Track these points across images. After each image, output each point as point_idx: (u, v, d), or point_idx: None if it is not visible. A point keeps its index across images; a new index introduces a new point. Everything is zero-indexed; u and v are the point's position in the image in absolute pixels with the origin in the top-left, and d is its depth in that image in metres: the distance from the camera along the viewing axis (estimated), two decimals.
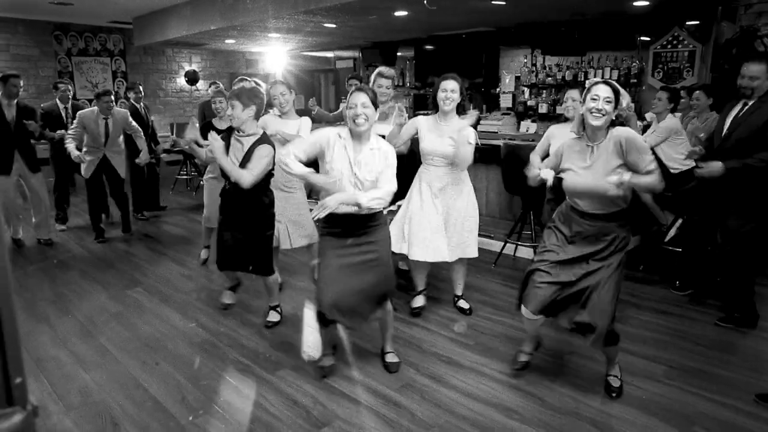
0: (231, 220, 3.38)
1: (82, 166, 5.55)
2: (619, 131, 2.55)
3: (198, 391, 2.89)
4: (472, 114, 3.51)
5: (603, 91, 2.49)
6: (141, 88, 6.70)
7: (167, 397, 2.84)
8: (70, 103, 6.12)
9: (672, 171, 4.56)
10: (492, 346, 3.36)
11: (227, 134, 3.32)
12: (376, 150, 2.72)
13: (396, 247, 3.54)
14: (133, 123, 5.84)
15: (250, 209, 3.30)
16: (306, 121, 3.89)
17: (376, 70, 4.14)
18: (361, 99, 2.63)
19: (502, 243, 5.01)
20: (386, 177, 2.69)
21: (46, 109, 6.02)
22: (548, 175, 2.71)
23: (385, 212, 2.89)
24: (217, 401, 2.81)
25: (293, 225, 3.90)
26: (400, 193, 3.70)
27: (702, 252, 3.96)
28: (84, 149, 5.53)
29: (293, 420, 2.64)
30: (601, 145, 2.58)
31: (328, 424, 2.60)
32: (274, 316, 3.71)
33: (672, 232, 4.73)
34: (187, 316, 3.86)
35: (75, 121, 5.50)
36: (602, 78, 6.77)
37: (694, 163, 4.50)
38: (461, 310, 3.87)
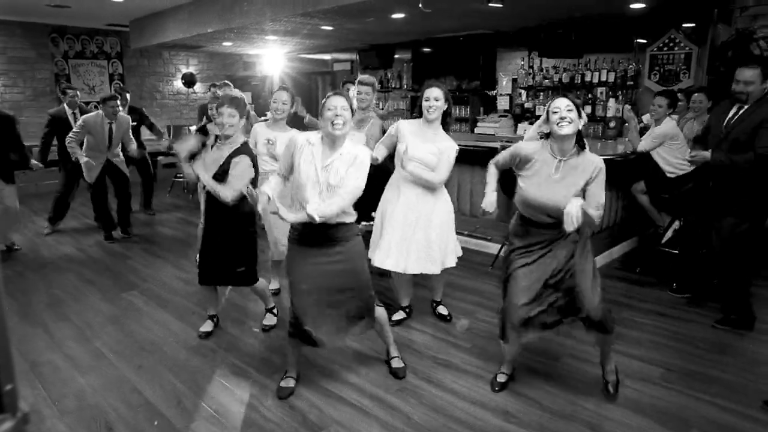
0: (213, 227, 3.32)
1: (84, 170, 5.60)
2: (597, 159, 2.56)
3: (194, 395, 2.88)
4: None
5: (562, 103, 2.53)
6: (128, 96, 6.68)
7: (163, 401, 2.83)
8: (77, 108, 6.07)
9: (669, 175, 4.57)
10: (489, 349, 3.35)
11: (203, 135, 3.29)
12: (346, 154, 2.64)
13: (374, 258, 3.45)
14: (130, 133, 5.88)
15: (231, 216, 3.21)
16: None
17: (357, 78, 4.19)
18: (340, 102, 2.59)
19: (499, 245, 5.00)
20: (349, 177, 2.60)
21: (53, 115, 6.00)
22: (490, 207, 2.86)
23: (359, 225, 2.84)
24: (213, 405, 2.79)
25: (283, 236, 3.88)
26: (371, 207, 3.65)
27: (699, 254, 3.96)
28: (87, 153, 5.56)
29: (290, 424, 2.63)
30: (570, 162, 2.57)
31: (324, 428, 2.59)
32: (270, 319, 3.69)
33: (669, 234, 4.74)
34: (183, 319, 3.85)
35: (78, 124, 5.53)
36: (599, 80, 6.82)
37: (690, 168, 4.51)
38: (441, 316, 3.80)
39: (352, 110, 2.66)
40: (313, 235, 2.66)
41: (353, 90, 4.34)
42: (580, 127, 2.55)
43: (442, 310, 3.84)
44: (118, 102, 5.60)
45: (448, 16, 6.18)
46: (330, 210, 2.56)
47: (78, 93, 6.12)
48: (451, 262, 3.55)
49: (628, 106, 4.96)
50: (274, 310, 3.73)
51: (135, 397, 2.86)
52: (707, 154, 3.46)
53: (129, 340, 3.53)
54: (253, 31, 7.56)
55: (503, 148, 4.79)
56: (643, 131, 5.80)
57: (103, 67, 10.05)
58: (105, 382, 3.00)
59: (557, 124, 2.51)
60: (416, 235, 3.41)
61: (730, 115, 3.47)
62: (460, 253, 3.63)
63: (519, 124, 7.56)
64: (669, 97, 4.54)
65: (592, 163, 2.55)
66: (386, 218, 3.48)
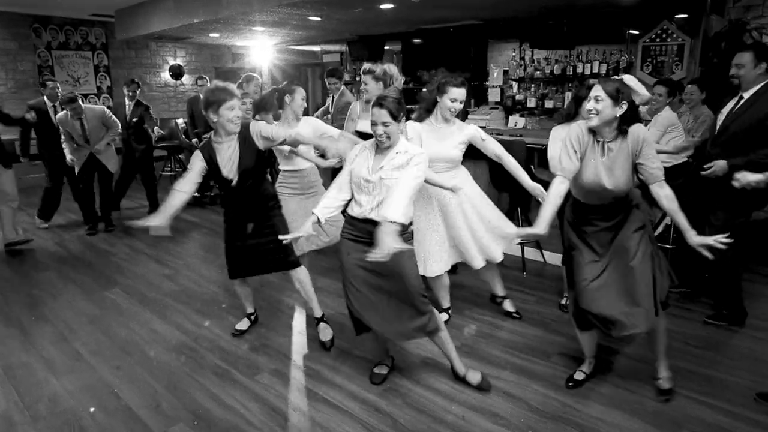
0: (239, 222, 3.15)
1: (75, 166, 5.72)
2: (636, 130, 2.50)
3: (174, 398, 2.79)
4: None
5: (593, 92, 2.47)
6: (136, 89, 6.54)
7: (141, 404, 2.73)
8: (58, 101, 5.93)
9: (664, 165, 4.44)
10: (477, 348, 3.27)
11: (206, 142, 3.07)
12: (402, 153, 2.55)
13: (428, 270, 3.33)
14: (112, 117, 5.78)
15: (258, 204, 3.14)
16: (313, 122, 3.70)
17: (364, 66, 4.04)
18: (382, 118, 2.49)
19: None
20: (407, 172, 2.49)
21: (33, 106, 5.86)
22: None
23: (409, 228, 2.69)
24: (193, 408, 2.70)
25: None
26: None
27: (693, 248, 3.89)
28: (75, 146, 5.65)
29: (271, 428, 2.55)
30: (614, 144, 2.52)
31: None
32: (326, 334, 3.34)
33: (660, 229, 4.67)
34: (166, 318, 3.75)
35: (59, 126, 5.59)
36: (591, 72, 6.72)
37: (686, 158, 4.43)
38: (508, 314, 3.65)
39: (395, 117, 2.49)
40: (361, 232, 2.60)
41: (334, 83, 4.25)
42: (618, 115, 2.44)
43: (509, 306, 3.69)
44: (80, 102, 5.50)
45: (437, 5, 6.06)
46: (398, 206, 2.38)
47: (58, 85, 5.99)
48: (496, 254, 3.42)
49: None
50: (325, 319, 3.43)
51: (112, 401, 2.76)
52: (722, 164, 3.27)
53: (108, 340, 3.43)
54: (241, 22, 7.41)
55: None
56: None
57: (87, 58, 9.85)
58: (81, 386, 2.90)
59: (588, 112, 2.47)
60: (460, 232, 3.31)
61: (729, 107, 3.41)
62: (500, 255, 3.46)
63: (510, 116, 7.47)
64: (668, 85, 4.43)
65: (632, 137, 2.49)
66: (425, 227, 3.32)
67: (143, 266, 4.85)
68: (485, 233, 3.39)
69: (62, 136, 5.64)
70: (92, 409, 2.69)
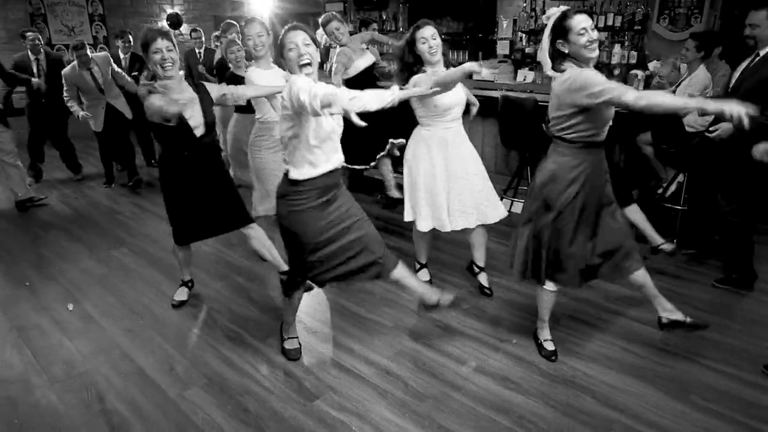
0: (192, 184, 3.04)
1: (91, 122, 5.54)
2: None
3: (186, 361, 2.82)
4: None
5: (588, 22, 2.33)
6: (131, 37, 6.32)
7: (155, 368, 2.76)
8: (42, 53, 5.75)
9: (688, 129, 4.25)
10: (487, 310, 3.28)
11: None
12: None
13: (425, 225, 3.18)
14: (116, 68, 5.63)
15: (211, 162, 3.07)
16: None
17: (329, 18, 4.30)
18: (300, 36, 2.22)
19: (509, 201, 4.87)
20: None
21: (17, 61, 5.68)
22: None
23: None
24: (206, 372, 2.73)
25: (266, 192, 3.57)
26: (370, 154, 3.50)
27: (706, 209, 3.84)
28: (86, 104, 5.47)
29: (284, 392, 2.58)
30: None
31: (320, 396, 2.54)
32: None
33: (672, 189, 4.60)
34: (174, 278, 3.74)
35: (64, 82, 5.36)
36: (605, 24, 6.47)
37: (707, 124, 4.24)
38: (482, 289, 3.47)
39: (315, 43, 2.28)
40: (323, 189, 2.38)
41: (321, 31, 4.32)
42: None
43: (484, 280, 3.48)
44: (88, 51, 5.30)
45: None
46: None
47: (39, 36, 5.75)
48: (494, 217, 3.23)
49: (658, 63, 4.55)
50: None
51: (126, 364, 2.79)
52: (729, 126, 3.16)
53: (118, 301, 3.44)
54: None
55: (504, 97, 4.58)
56: (648, 80, 5.55)
57: (82, 6, 9.50)
58: (94, 348, 2.93)
59: (586, 46, 2.32)
60: (457, 189, 3.14)
61: (743, 65, 3.30)
62: (501, 209, 3.26)
63: (519, 71, 7.26)
64: (698, 39, 4.16)
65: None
66: (422, 179, 3.15)
67: (149, 225, 4.83)
68: (483, 191, 3.20)
69: (66, 96, 5.36)
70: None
